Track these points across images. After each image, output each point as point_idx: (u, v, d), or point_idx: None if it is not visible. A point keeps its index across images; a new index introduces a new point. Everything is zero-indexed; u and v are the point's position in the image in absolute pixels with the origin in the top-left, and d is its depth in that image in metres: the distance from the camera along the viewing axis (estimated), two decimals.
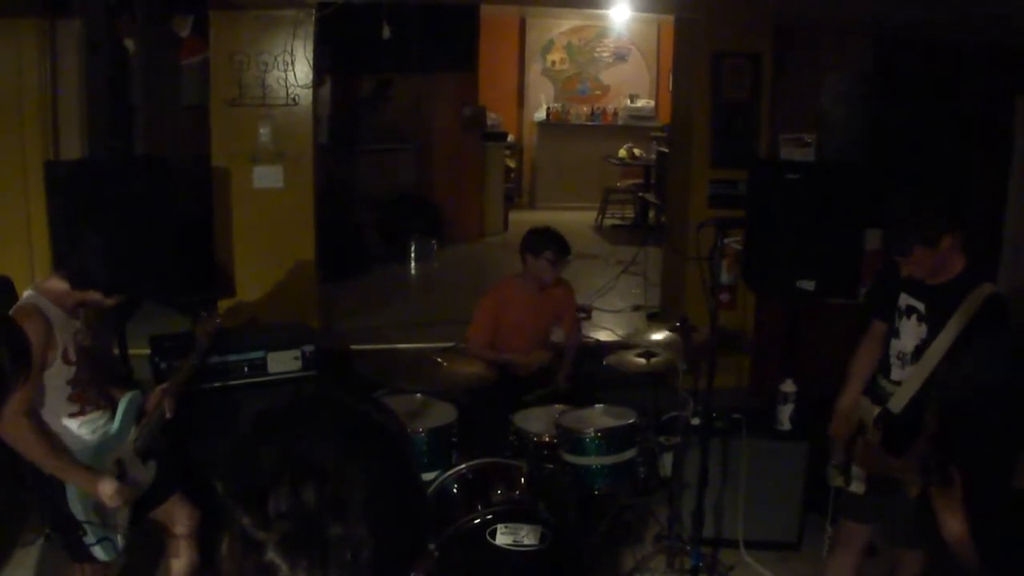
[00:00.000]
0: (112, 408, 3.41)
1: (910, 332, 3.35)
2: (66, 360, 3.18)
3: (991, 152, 5.97)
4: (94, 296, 3.24)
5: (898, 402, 3.31)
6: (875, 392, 3.49)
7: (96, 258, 3.20)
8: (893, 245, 3.26)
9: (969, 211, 5.13)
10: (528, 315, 4.94)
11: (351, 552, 1.07)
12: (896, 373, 3.41)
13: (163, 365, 4.35)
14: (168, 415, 3.54)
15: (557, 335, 5.29)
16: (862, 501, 3.51)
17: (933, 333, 3.23)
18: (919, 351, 3.30)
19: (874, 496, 3.45)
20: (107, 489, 3.20)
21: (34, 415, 3.12)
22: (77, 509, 3.18)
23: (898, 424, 3.29)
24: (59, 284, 3.21)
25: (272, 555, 1.06)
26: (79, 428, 3.27)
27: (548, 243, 4.83)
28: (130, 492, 3.33)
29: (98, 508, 3.23)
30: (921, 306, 3.31)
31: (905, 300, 3.38)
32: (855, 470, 3.44)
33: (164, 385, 3.60)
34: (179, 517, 3.64)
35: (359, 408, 1.22)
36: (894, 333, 3.43)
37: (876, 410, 3.38)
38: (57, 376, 3.17)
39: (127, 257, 3.31)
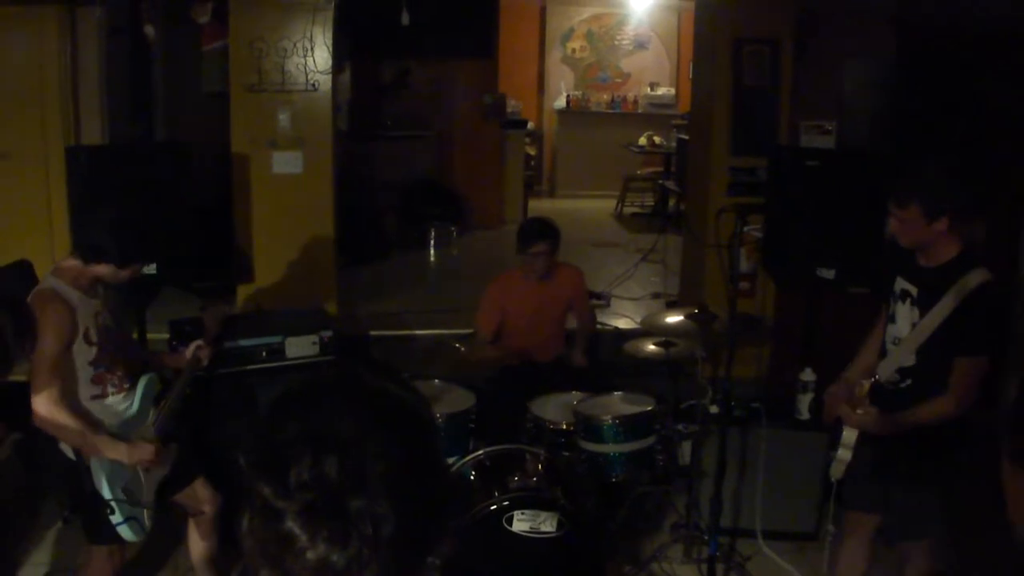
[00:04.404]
0: (134, 391, 3.42)
1: (904, 316, 3.32)
2: (87, 341, 3.19)
3: (1014, 139, 5.89)
4: (106, 270, 3.24)
5: (884, 371, 3.32)
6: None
7: (106, 231, 3.21)
8: (896, 193, 3.19)
9: (991, 198, 5.06)
10: (533, 305, 4.88)
11: (372, 527, 1.07)
12: None
13: (181, 349, 4.37)
14: (204, 363, 3.70)
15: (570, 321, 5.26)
16: (861, 489, 3.48)
17: (924, 316, 3.22)
18: None
19: (874, 484, 3.42)
20: (142, 452, 3.22)
21: (64, 398, 3.13)
22: (104, 488, 3.17)
23: (881, 389, 3.32)
24: (72, 263, 3.23)
25: (291, 524, 1.06)
26: (101, 410, 3.28)
27: (520, 239, 4.82)
28: (162, 456, 3.35)
29: (126, 487, 3.23)
30: (914, 290, 3.29)
31: (900, 284, 3.35)
32: (844, 437, 3.35)
33: (199, 341, 3.71)
34: (202, 500, 3.67)
35: (383, 384, 1.22)
36: (890, 318, 3.40)
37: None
38: (79, 357, 3.18)
39: (139, 231, 3.31)
